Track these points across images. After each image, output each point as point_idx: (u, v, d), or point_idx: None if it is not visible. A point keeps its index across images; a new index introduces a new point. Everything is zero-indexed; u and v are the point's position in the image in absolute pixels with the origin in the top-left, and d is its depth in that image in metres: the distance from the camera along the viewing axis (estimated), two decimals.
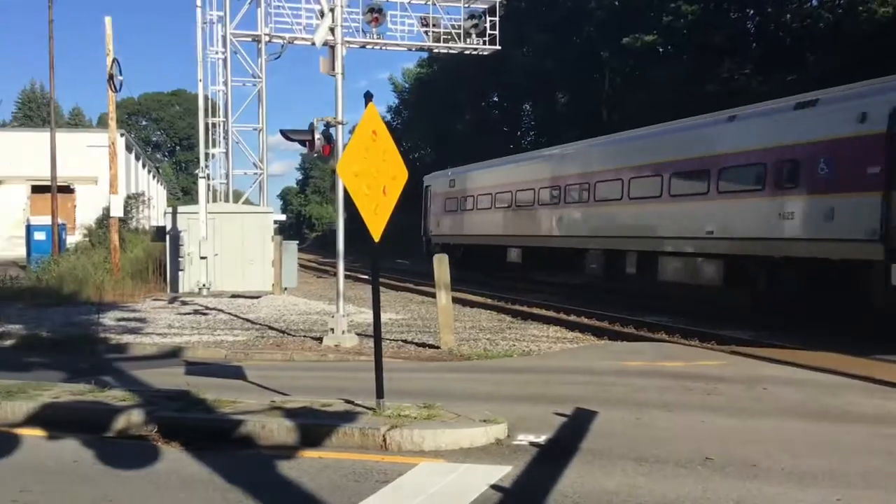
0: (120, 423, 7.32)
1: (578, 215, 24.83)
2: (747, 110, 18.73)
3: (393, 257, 42.98)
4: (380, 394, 7.43)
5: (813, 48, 34.03)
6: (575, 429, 7.35)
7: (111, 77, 23.85)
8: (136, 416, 7.35)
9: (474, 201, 32.79)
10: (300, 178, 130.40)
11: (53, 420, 7.52)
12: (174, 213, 24.41)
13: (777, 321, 16.52)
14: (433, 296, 16.17)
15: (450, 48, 30.19)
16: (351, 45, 25.71)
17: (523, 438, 6.98)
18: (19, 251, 38.08)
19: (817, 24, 33.52)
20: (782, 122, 16.96)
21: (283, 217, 31.77)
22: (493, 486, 5.68)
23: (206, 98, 26.68)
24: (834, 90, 16.64)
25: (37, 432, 7.34)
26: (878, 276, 13.94)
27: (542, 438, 6.99)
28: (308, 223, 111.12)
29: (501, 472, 6.00)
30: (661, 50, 42.79)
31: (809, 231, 15.91)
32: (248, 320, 17.65)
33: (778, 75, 32.55)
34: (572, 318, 18.22)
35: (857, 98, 15.34)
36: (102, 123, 66.23)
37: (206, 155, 26.32)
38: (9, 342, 14.11)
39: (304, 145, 14.25)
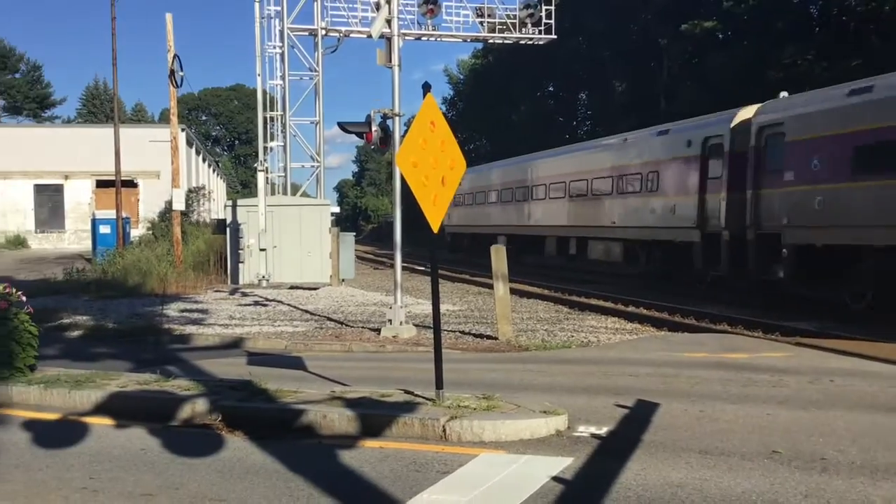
0: (185, 412, 7.46)
1: (540, 210, 32.09)
2: (636, 134, 26.07)
3: (447, 248, 43.25)
4: (439, 384, 7.42)
5: (878, 32, 33.03)
6: (637, 421, 7.26)
7: (172, 73, 24.20)
8: (201, 405, 7.47)
9: (473, 198, 40.04)
10: (356, 170, 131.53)
11: (120, 409, 7.69)
12: (234, 207, 24.78)
13: (843, 312, 16.13)
14: (490, 287, 16.13)
15: (505, 38, 30.04)
16: (407, 37, 25.76)
17: (584, 430, 6.92)
18: (85, 244, 39.17)
19: (883, 8, 32.49)
20: (650, 144, 23.98)
21: (337, 209, 32.14)
22: (555, 478, 5.63)
23: (264, 92, 27.02)
24: (680, 122, 23.48)
25: (105, 421, 7.51)
26: (696, 251, 21.04)
27: (603, 430, 6.92)
28: (364, 215, 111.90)
29: (563, 464, 5.95)
30: (720, 36, 41.97)
31: (663, 222, 22.71)
32: (306, 311, 17.83)
33: (842, 61, 31.66)
34: (630, 308, 18.00)
35: (688, 130, 22.21)
36: (164, 119, 67.65)
37: (265, 148, 26.65)
38: (76, 333, 14.49)
39: (362, 137, 14.31)
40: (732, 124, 19.99)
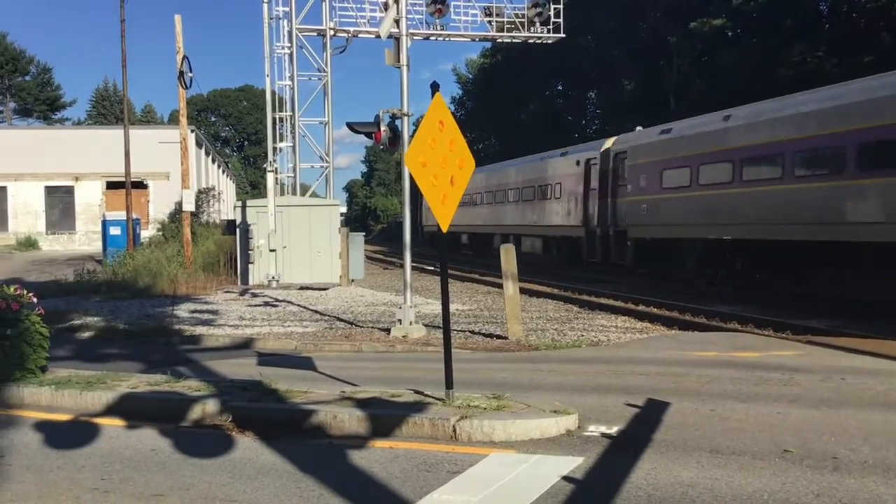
0: (195, 412, 7.47)
1: (489, 212, 38.65)
2: (549, 154, 32.41)
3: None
4: (449, 384, 7.42)
5: (889, 28, 32.86)
6: (647, 420, 7.24)
7: (181, 74, 24.23)
8: (211, 405, 7.48)
9: None
10: (365, 170, 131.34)
11: (131, 410, 7.71)
12: (243, 207, 24.82)
13: (855, 310, 16.04)
14: (499, 286, 16.11)
15: (513, 37, 30.06)
16: (415, 37, 25.80)
17: (595, 429, 6.90)
18: (96, 245, 39.31)
19: (893, 4, 32.33)
20: (556, 162, 30.64)
21: (345, 209, 32.47)
22: (565, 478, 5.62)
23: (273, 93, 27.08)
24: (574, 147, 30.96)
25: (116, 422, 7.53)
26: (582, 244, 27.68)
27: (613, 429, 6.91)
28: (373, 215, 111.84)
29: (573, 464, 5.94)
30: (729, 34, 41.83)
31: (564, 222, 29.18)
32: (316, 312, 17.85)
33: (852, 58, 31.51)
34: (641, 308, 17.96)
35: (578, 152, 29.08)
36: (173, 120, 67.73)
37: (274, 149, 26.71)
38: (87, 334, 14.53)
39: (371, 137, 14.32)
40: (601, 150, 26.68)
